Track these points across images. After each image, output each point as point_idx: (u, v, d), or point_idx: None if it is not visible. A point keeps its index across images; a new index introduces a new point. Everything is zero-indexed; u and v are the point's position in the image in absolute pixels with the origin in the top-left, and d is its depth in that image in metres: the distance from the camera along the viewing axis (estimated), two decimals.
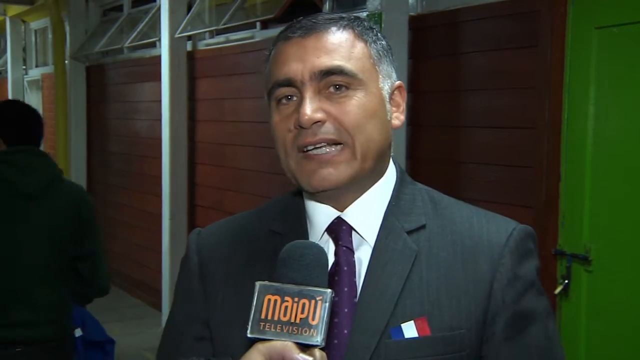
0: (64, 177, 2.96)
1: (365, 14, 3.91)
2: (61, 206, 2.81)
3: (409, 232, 1.15)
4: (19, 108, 2.97)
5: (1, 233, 2.71)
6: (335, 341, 1.10)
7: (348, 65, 1.11)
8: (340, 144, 1.11)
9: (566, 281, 3.17)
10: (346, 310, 1.11)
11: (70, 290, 2.89)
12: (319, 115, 1.09)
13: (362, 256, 1.15)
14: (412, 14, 3.95)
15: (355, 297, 1.12)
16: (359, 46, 1.14)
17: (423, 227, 1.16)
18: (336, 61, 1.11)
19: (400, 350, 1.08)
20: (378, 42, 1.17)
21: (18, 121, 2.88)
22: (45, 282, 2.76)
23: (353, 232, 1.16)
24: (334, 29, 1.14)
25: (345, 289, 1.12)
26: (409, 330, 1.09)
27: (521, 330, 1.11)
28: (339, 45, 1.12)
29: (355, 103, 1.11)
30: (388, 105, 1.17)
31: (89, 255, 2.88)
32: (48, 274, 2.77)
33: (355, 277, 1.14)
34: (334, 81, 1.11)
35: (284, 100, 1.14)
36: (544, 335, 1.12)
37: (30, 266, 2.73)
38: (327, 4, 4.76)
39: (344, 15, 1.18)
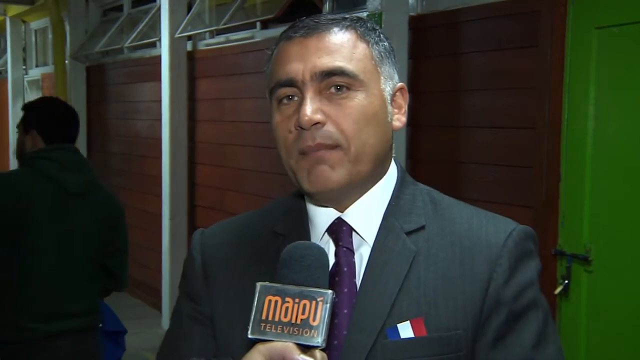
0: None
1: (365, 14, 3.91)
2: (99, 204, 2.93)
3: (408, 233, 1.15)
4: (59, 106, 3.02)
5: (49, 230, 2.78)
6: (335, 342, 1.10)
7: (349, 66, 1.11)
8: (337, 146, 1.10)
9: (566, 281, 3.17)
10: (346, 311, 1.11)
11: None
12: (319, 117, 1.09)
13: (362, 256, 1.15)
14: (412, 14, 3.95)
15: (355, 297, 1.12)
16: (361, 47, 1.14)
17: (422, 227, 1.16)
18: (337, 62, 1.11)
19: (397, 351, 1.08)
20: (380, 44, 1.17)
21: (58, 119, 2.93)
22: (87, 275, 2.89)
23: (353, 233, 1.16)
24: (336, 29, 1.13)
25: (345, 290, 1.12)
26: (405, 330, 1.09)
27: (513, 330, 1.10)
28: (341, 46, 1.12)
29: (355, 105, 1.11)
30: (389, 107, 1.17)
31: (118, 252, 3.02)
32: (88, 268, 2.90)
33: (355, 278, 1.14)
34: (335, 82, 1.11)
35: (285, 100, 1.13)
36: (537, 337, 1.11)
37: (76, 261, 2.84)
38: (327, 4, 4.77)
39: (346, 15, 1.17)
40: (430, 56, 3.94)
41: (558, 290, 3.18)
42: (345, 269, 1.13)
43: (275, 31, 5.16)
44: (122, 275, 3.06)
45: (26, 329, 2.74)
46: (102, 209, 2.93)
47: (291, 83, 1.12)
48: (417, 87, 3.89)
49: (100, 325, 3.08)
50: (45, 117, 2.91)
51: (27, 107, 3.01)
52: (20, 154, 2.94)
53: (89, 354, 2.88)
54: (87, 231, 2.87)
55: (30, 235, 2.75)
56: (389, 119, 1.16)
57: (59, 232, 2.80)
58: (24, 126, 2.93)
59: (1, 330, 2.77)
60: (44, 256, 2.77)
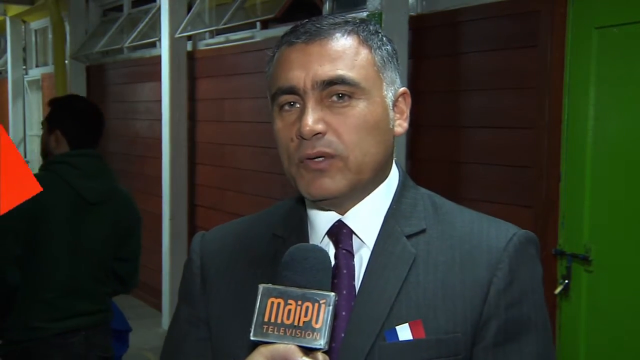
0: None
1: (365, 14, 3.91)
2: (118, 211, 2.95)
3: (409, 236, 1.14)
4: (86, 108, 2.97)
5: (63, 236, 2.80)
6: (333, 344, 1.09)
7: (351, 74, 1.10)
8: (336, 156, 1.10)
9: (566, 281, 3.17)
10: (344, 313, 1.11)
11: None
12: (320, 127, 1.09)
13: (362, 259, 1.15)
14: (412, 14, 3.95)
15: (354, 300, 1.12)
16: (363, 53, 1.12)
17: (423, 231, 1.15)
18: (339, 70, 1.09)
19: (395, 353, 1.08)
20: (383, 48, 1.15)
21: (83, 122, 2.89)
22: (100, 277, 2.93)
23: (353, 236, 1.16)
24: (338, 35, 1.12)
25: (344, 292, 1.12)
26: (404, 332, 1.08)
27: (512, 339, 1.09)
28: (343, 53, 1.11)
29: (356, 114, 1.10)
30: (391, 113, 1.16)
31: (129, 259, 3.06)
32: (102, 271, 2.94)
33: (354, 280, 1.13)
34: (337, 90, 1.10)
35: (286, 107, 1.13)
36: (535, 347, 1.10)
37: (88, 266, 2.87)
38: (327, 4, 4.76)
39: (349, 19, 1.16)
40: (430, 56, 3.95)
41: (558, 290, 3.18)
42: (345, 271, 1.13)
43: (275, 31, 5.16)
44: (131, 281, 3.09)
45: (37, 328, 2.77)
46: (118, 217, 2.95)
47: (292, 91, 1.11)
48: (417, 87, 3.88)
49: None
50: (71, 119, 2.87)
51: (54, 105, 2.96)
52: (44, 153, 2.94)
53: (100, 349, 2.92)
54: (102, 238, 2.89)
55: (45, 241, 2.77)
56: (390, 125, 1.15)
57: (74, 238, 2.81)
58: (49, 125, 2.90)
59: (12, 330, 2.80)
60: (57, 261, 2.79)
